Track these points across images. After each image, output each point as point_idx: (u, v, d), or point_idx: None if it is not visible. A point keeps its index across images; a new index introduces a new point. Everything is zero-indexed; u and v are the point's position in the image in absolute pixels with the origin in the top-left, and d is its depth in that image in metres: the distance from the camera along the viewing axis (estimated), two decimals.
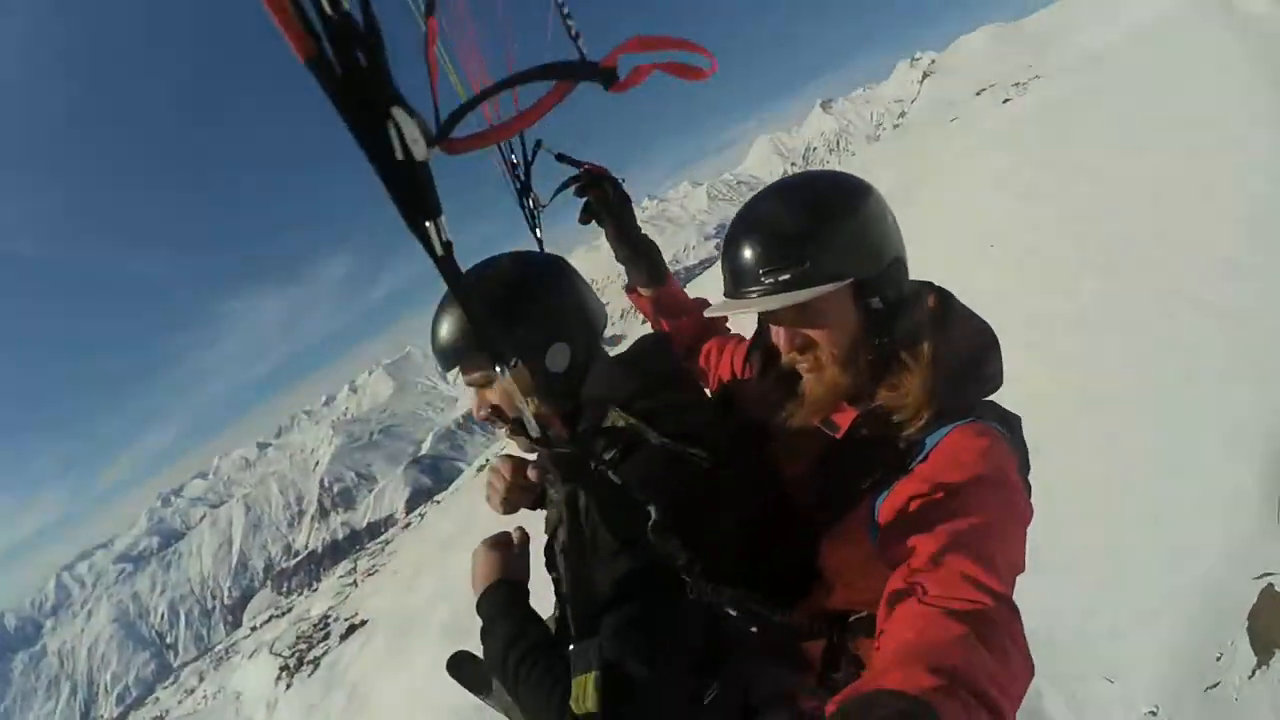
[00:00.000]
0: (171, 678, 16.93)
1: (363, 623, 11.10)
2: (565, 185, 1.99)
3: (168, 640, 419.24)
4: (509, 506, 1.80)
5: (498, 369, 1.37)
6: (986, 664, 0.99)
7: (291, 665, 10.99)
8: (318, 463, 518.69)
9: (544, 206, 1.93)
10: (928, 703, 0.89)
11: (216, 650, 17.18)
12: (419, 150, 0.64)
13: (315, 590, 16.58)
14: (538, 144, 1.86)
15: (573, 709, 1.28)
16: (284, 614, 15.78)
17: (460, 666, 2.91)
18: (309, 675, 10.10)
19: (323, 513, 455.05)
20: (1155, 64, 13.44)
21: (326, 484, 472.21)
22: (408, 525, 19.11)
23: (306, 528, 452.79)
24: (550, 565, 1.74)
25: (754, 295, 1.44)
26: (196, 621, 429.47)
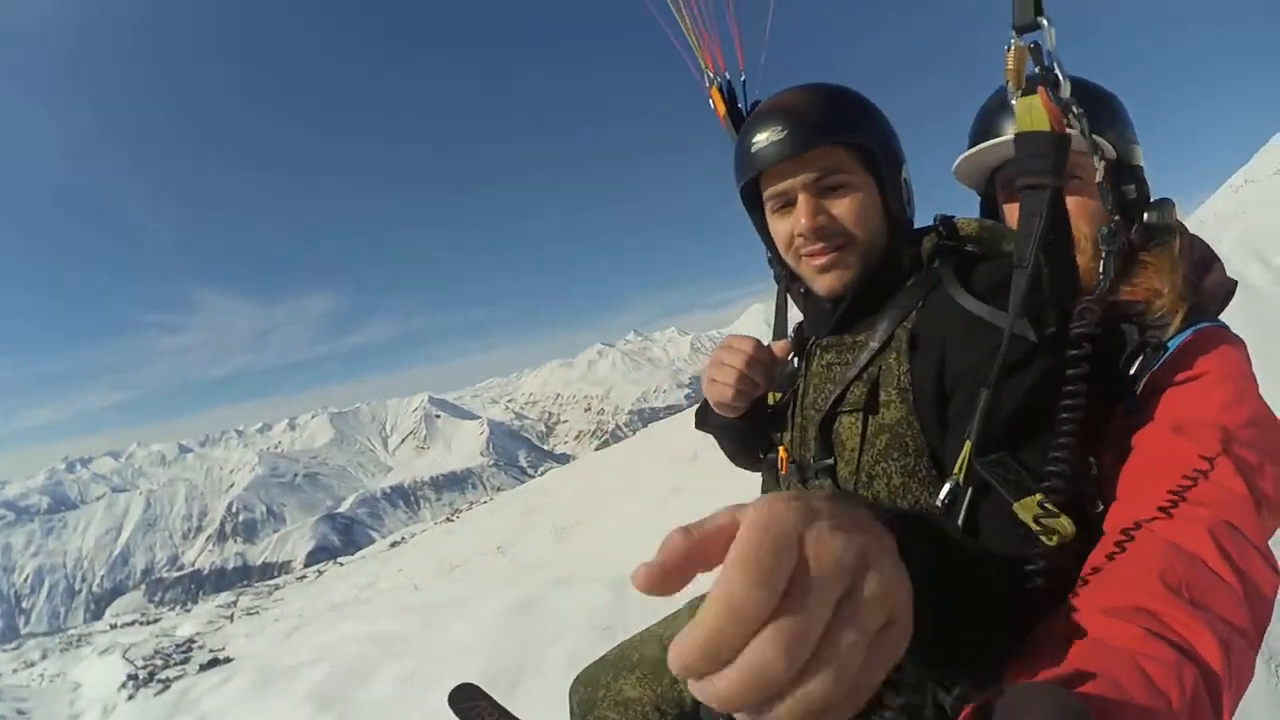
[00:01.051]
0: (14, 643, 16.48)
1: (227, 659, 10.68)
2: None
3: (24, 605, 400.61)
4: (740, 394, 1.60)
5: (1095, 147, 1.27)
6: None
7: (141, 677, 10.43)
8: (233, 485, 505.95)
9: None
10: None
11: (70, 633, 16.21)
12: None
13: (188, 611, 15.82)
14: (756, 104, 1.98)
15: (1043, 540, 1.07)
16: (149, 622, 14.98)
17: (463, 700, 2.89)
18: (155, 694, 9.58)
19: (221, 536, 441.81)
20: None
21: (234, 509, 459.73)
22: (303, 578, 18.55)
23: (200, 546, 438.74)
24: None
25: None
26: (59, 597, 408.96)
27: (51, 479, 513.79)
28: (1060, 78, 1.23)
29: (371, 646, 8.70)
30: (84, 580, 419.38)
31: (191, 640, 12.01)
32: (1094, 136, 1.27)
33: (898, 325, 1.42)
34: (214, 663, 10.31)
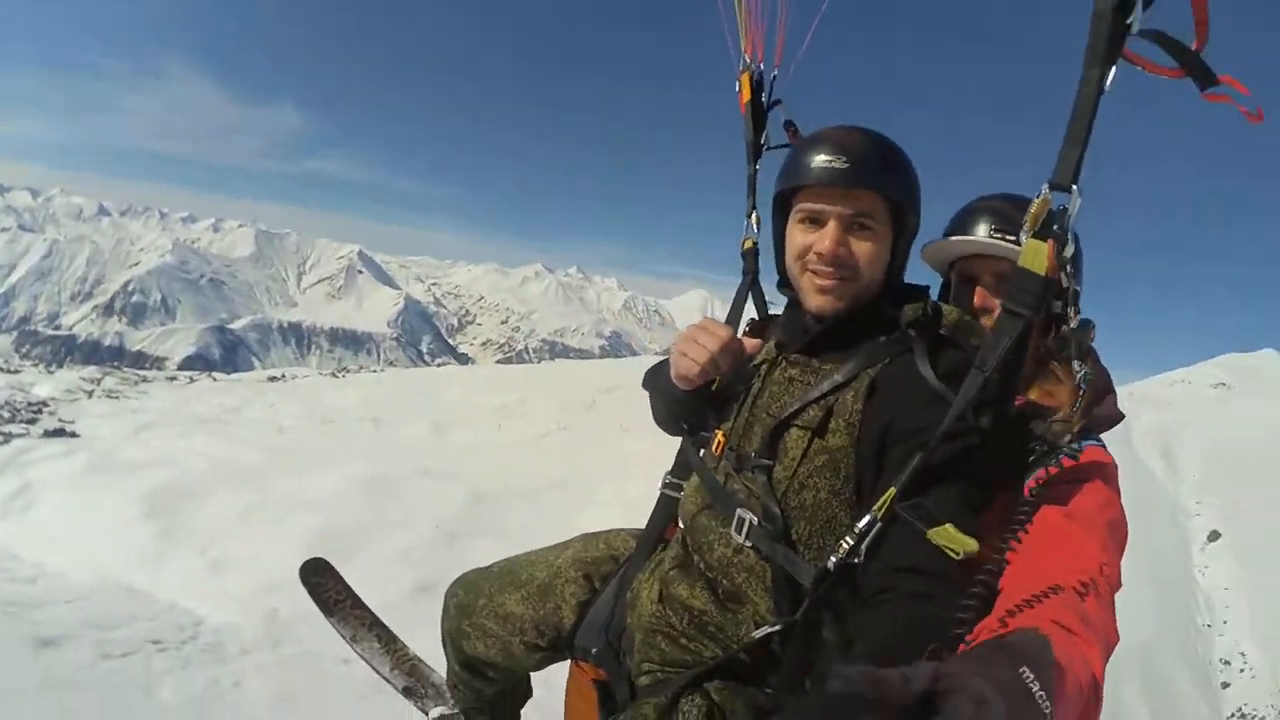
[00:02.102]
0: None
1: (73, 434, 10.43)
2: (780, 146, 2.28)
3: None
4: (704, 373, 1.78)
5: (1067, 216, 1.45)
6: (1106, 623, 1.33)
7: None
8: (138, 263, 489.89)
9: (769, 148, 2.31)
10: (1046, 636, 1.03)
11: None
12: None
13: (51, 373, 15.41)
14: (778, 101, 2.29)
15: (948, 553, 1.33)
16: (9, 371, 14.56)
17: (316, 575, 2.95)
18: None
19: (109, 310, 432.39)
20: None
21: (130, 288, 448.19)
22: (173, 379, 18.10)
23: (83, 312, 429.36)
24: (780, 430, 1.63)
25: (1011, 243, 1.86)
26: None
27: None
28: (1069, 240, 1.46)
29: (219, 468, 8.62)
30: None
31: (44, 403, 11.63)
32: (1075, 219, 1.48)
33: (863, 370, 1.62)
34: (59, 433, 10.03)
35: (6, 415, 10.48)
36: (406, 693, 2.78)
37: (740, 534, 1.62)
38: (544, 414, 13.21)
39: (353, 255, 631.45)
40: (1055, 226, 1.45)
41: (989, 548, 1.43)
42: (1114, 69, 1.37)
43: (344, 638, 2.93)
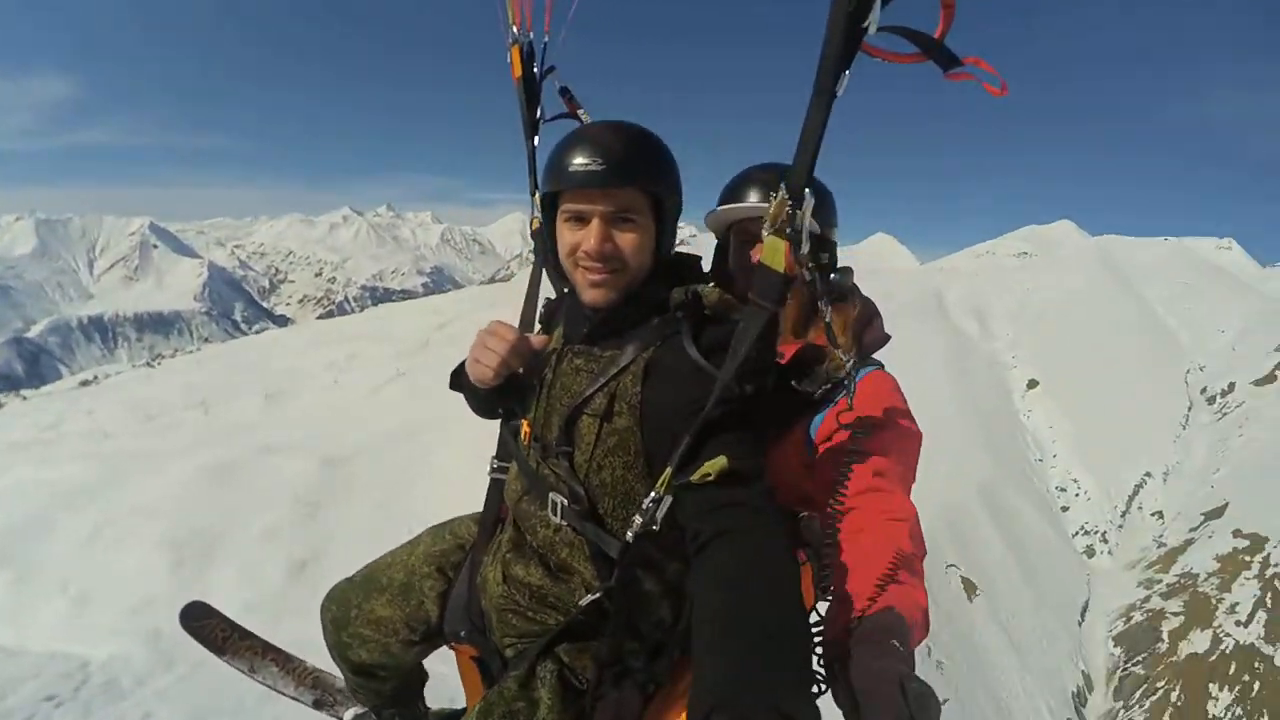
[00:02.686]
0: None
1: None
2: (559, 117, 2.33)
3: None
4: (498, 375, 1.88)
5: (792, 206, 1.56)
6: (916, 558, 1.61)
7: None
8: None
9: (545, 120, 2.33)
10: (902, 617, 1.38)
11: None
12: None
13: None
14: (551, 69, 2.31)
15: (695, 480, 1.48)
16: None
17: (196, 618, 2.90)
18: None
19: None
20: None
21: None
22: None
23: None
24: (568, 428, 1.75)
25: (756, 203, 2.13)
26: None
27: None
28: (803, 240, 1.60)
29: (51, 496, 8.06)
30: None
31: None
32: (808, 223, 1.64)
33: (639, 354, 1.74)
34: None
35: None
36: (317, 705, 2.87)
37: (556, 515, 1.79)
38: (378, 363, 13.04)
39: (144, 229, 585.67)
40: (789, 229, 1.59)
41: (822, 504, 1.77)
42: (847, 74, 1.46)
43: (242, 672, 2.95)
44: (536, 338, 1.98)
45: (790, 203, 1.57)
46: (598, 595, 1.75)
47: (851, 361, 1.88)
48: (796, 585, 1.35)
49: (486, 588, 1.99)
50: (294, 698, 2.89)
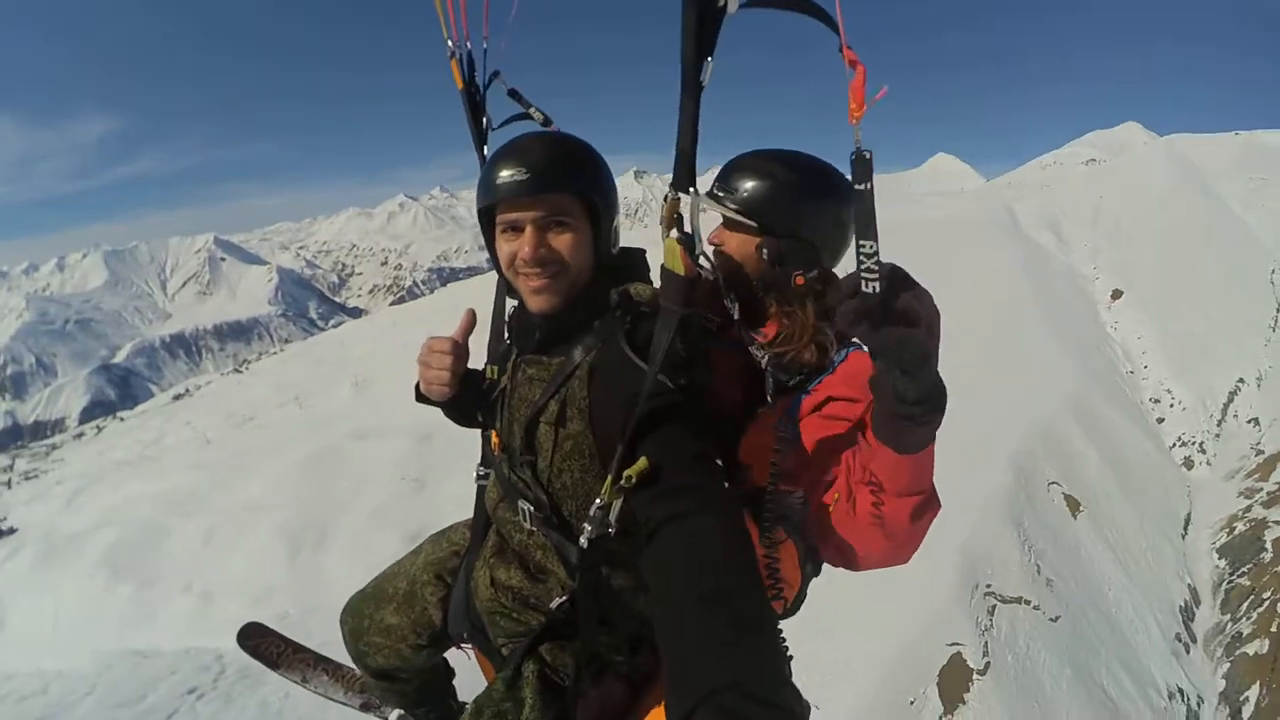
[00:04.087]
0: None
1: (10, 530, 10.00)
2: (512, 119, 2.31)
3: None
4: (451, 385, 2.02)
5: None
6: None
7: None
8: None
9: (493, 128, 2.31)
10: None
11: None
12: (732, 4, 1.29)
13: None
14: (494, 74, 2.29)
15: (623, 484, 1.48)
16: None
17: (253, 639, 3.09)
18: None
19: None
20: None
21: (1, 362, 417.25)
22: (80, 435, 17.47)
23: None
24: (529, 434, 1.82)
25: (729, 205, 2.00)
26: None
27: None
28: (694, 241, 1.71)
29: (163, 506, 8.42)
30: None
31: None
32: (699, 222, 1.74)
33: (584, 358, 1.78)
34: None
35: None
36: (364, 708, 3.03)
37: (526, 521, 1.85)
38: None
39: (209, 245, 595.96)
40: (675, 233, 1.68)
41: (806, 481, 1.82)
42: (710, 60, 1.46)
43: (295, 682, 3.14)
44: (460, 330, 2.08)
45: (678, 201, 1.67)
46: (563, 599, 1.84)
47: (828, 343, 1.91)
48: (747, 558, 1.36)
49: (478, 591, 2.07)
50: (344, 703, 3.06)
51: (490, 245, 1.88)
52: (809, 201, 1.97)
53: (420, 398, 2.22)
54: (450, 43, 2.24)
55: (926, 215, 21.60)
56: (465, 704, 2.73)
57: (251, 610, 5.90)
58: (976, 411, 8.16)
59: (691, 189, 1.64)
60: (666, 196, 1.66)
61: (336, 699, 3.06)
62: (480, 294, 15.70)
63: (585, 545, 1.63)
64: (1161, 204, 22.92)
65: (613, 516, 1.57)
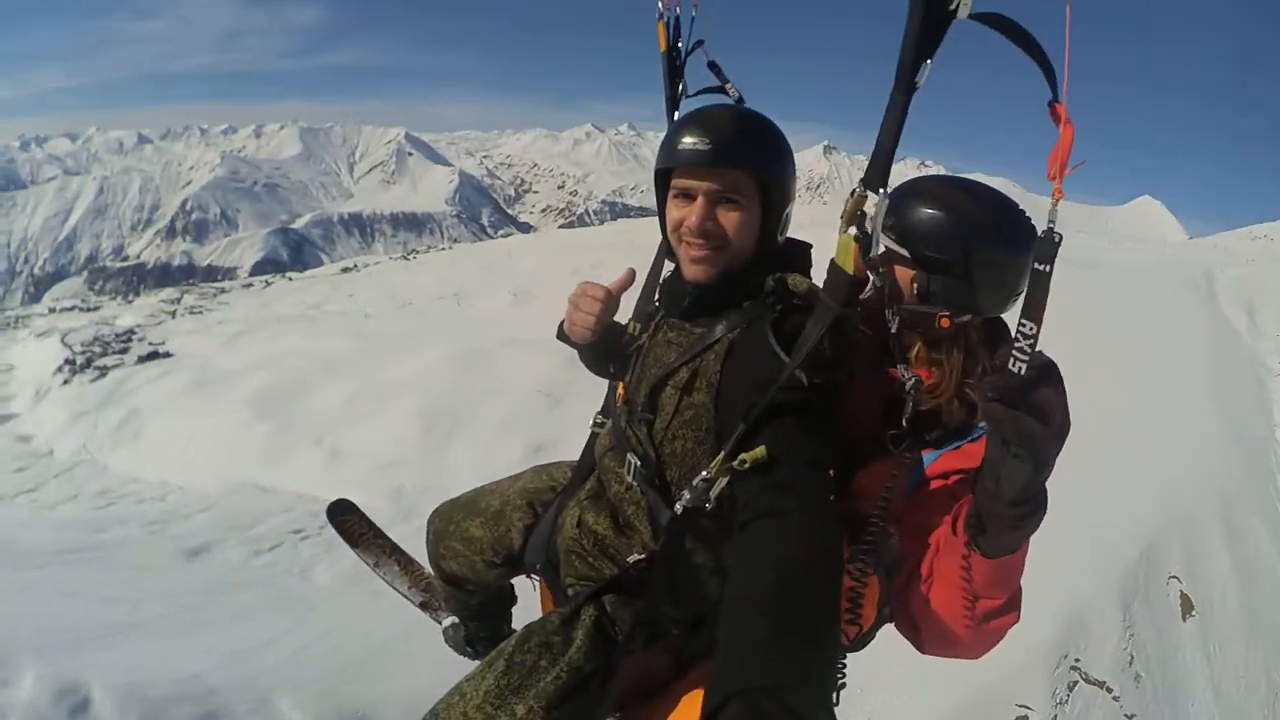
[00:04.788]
0: None
1: (167, 354, 10.68)
2: (706, 90, 2.31)
3: None
4: (595, 330, 2.09)
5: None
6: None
7: (79, 363, 10.39)
8: (189, 183, 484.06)
9: (688, 96, 2.34)
10: None
11: (7, 314, 16.14)
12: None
13: (130, 302, 15.72)
14: (699, 43, 2.29)
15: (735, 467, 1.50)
16: (89, 309, 14.81)
17: (342, 514, 3.36)
18: (91, 380, 9.50)
19: (171, 232, 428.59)
20: None
21: (188, 207, 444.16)
22: (249, 285, 18.49)
23: (148, 239, 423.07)
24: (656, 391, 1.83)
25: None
26: None
27: (3, 156, 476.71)
28: (872, 243, 1.72)
29: (316, 362, 8.84)
30: (26, 262, 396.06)
31: (132, 331, 11.82)
32: (879, 225, 1.75)
33: (726, 334, 1.79)
34: (153, 355, 10.25)
35: (98, 350, 10.73)
36: (423, 606, 3.14)
37: (629, 474, 1.89)
38: (618, 273, 13.57)
39: (400, 138, 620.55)
40: (854, 230, 1.64)
41: (906, 538, 1.74)
42: (929, 63, 1.39)
43: (368, 565, 3.28)
44: (616, 284, 2.15)
45: (864, 198, 1.63)
46: (641, 557, 1.87)
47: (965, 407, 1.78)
48: (832, 575, 1.33)
49: (563, 528, 2.12)
50: (405, 595, 3.18)
51: (660, 207, 1.88)
52: (972, 241, 1.77)
53: (561, 336, 2.29)
54: (661, 4, 2.25)
55: (1122, 260, 20.41)
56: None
57: (372, 476, 6.29)
58: (1125, 479, 7.70)
59: (881, 189, 1.61)
60: (854, 191, 1.62)
61: (400, 590, 3.20)
62: (649, 237, 15.90)
63: (679, 512, 1.67)
64: None
65: (714, 493, 1.59)
